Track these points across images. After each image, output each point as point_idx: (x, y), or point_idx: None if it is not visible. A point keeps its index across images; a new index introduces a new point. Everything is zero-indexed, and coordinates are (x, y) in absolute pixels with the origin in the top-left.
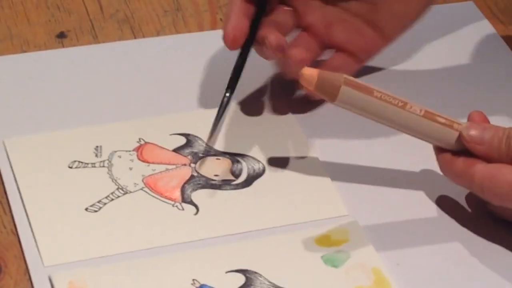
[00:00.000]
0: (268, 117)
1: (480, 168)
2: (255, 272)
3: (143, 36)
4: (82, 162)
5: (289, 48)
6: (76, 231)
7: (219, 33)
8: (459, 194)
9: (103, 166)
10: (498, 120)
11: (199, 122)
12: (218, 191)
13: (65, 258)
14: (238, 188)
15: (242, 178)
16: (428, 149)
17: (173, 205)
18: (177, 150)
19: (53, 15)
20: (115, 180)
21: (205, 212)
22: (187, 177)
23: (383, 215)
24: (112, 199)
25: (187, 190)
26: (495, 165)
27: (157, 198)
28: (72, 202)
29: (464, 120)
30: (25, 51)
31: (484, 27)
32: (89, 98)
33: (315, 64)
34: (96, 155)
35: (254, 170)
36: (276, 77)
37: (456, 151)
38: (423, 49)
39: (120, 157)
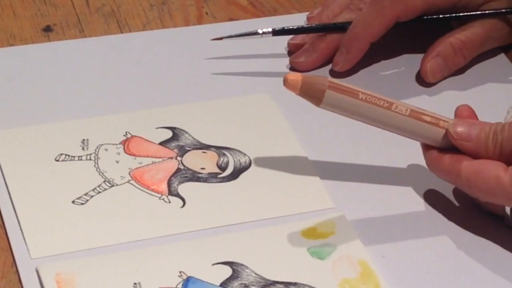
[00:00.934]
0: (253, 111)
1: (467, 164)
2: (242, 264)
3: (129, 30)
4: (68, 155)
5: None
6: (63, 223)
7: (204, 27)
8: (445, 188)
9: (90, 159)
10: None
11: (185, 115)
12: (205, 184)
13: (52, 251)
14: (224, 181)
15: (228, 171)
16: (415, 144)
17: (159, 198)
18: (163, 143)
19: (39, 8)
20: (102, 173)
21: (192, 205)
22: (173, 170)
23: (370, 208)
24: (99, 192)
25: (174, 183)
26: (481, 161)
27: (144, 191)
28: (59, 195)
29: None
30: (11, 45)
31: None
32: (76, 91)
33: None
34: (83, 148)
35: (240, 163)
36: (268, 73)
37: (443, 148)
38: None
39: (106, 150)
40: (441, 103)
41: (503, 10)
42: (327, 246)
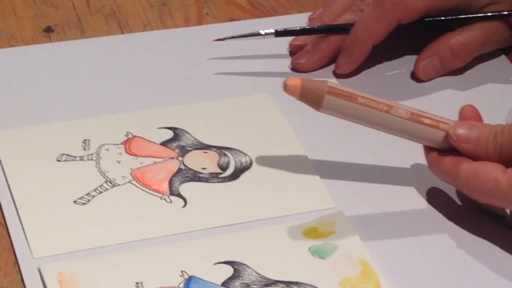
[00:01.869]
0: (254, 111)
1: (466, 166)
2: (243, 264)
3: (130, 31)
4: (70, 155)
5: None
6: (65, 223)
7: (205, 27)
8: (447, 187)
9: (91, 159)
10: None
11: (186, 116)
12: (206, 184)
13: (54, 250)
14: (225, 181)
15: (229, 171)
16: (415, 144)
17: (161, 198)
18: (164, 143)
19: (40, 9)
20: (103, 173)
21: (193, 205)
22: (174, 170)
23: (370, 208)
24: (101, 192)
25: (175, 183)
26: (480, 162)
27: (145, 191)
28: (61, 195)
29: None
30: (12, 46)
31: None
32: (77, 92)
33: None
34: (84, 149)
35: (241, 163)
36: (269, 74)
37: (444, 149)
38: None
39: (108, 150)
40: (442, 104)
41: (505, 13)
42: (328, 246)
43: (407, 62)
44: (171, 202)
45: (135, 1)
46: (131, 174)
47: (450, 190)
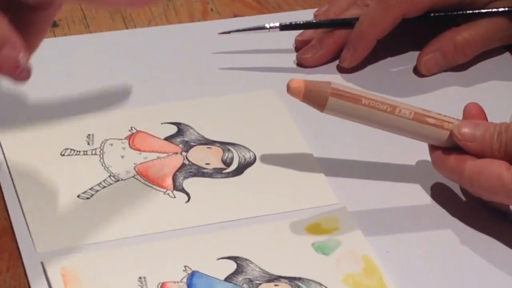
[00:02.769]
0: (259, 107)
1: (470, 164)
2: (246, 259)
3: (135, 26)
4: (74, 150)
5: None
6: (68, 217)
7: (210, 23)
8: (450, 184)
9: (95, 154)
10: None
11: (191, 111)
12: (210, 179)
13: (58, 245)
14: (229, 177)
15: (233, 167)
16: (419, 141)
17: (164, 193)
18: (168, 138)
19: None
20: (107, 168)
21: (197, 200)
22: (178, 165)
23: (373, 204)
24: (104, 187)
25: (179, 178)
26: (484, 160)
27: (149, 186)
28: (64, 189)
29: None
30: None
31: None
32: (81, 87)
33: None
34: (88, 143)
35: (245, 159)
36: (273, 69)
37: (449, 148)
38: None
39: (112, 145)
40: (446, 101)
41: (510, 9)
42: (331, 242)
43: (411, 58)
44: (174, 197)
45: None
46: (134, 169)
47: (454, 186)
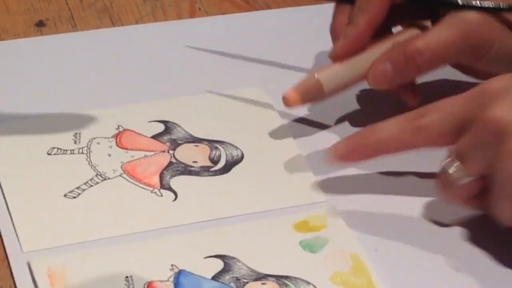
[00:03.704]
0: (247, 105)
1: None
2: (234, 258)
3: (122, 25)
4: (60, 149)
5: None
6: (55, 217)
7: (197, 21)
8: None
9: (82, 153)
10: None
11: (178, 109)
12: (197, 178)
13: (44, 244)
14: (216, 175)
15: (220, 165)
16: None
17: (151, 191)
18: (155, 136)
19: (32, 4)
20: (94, 167)
21: (184, 198)
22: (165, 164)
23: (362, 202)
24: (91, 185)
25: (166, 177)
26: None
27: (136, 184)
28: (51, 189)
29: None
30: (3, 40)
31: None
32: (68, 85)
33: None
34: (75, 142)
35: (232, 157)
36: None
37: None
38: None
39: (99, 143)
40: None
41: (502, 6)
42: (319, 240)
43: None
44: (161, 195)
45: None
46: (121, 167)
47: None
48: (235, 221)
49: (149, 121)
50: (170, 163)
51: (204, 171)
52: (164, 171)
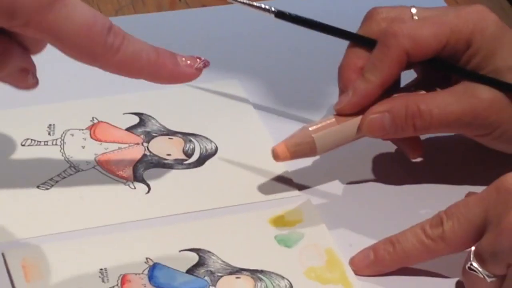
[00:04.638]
0: (222, 98)
1: None
2: (208, 251)
3: None
4: (34, 140)
5: None
6: (28, 208)
7: (177, 13)
8: (417, 176)
9: (56, 144)
10: None
11: (153, 101)
12: (170, 170)
13: (18, 235)
14: (190, 168)
15: (194, 158)
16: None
17: (125, 184)
18: (130, 129)
19: None
20: (68, 159)
21: (157, 191)
22: (139, 156)
23: (337, 197)
24: (64, 177)
25: (139, 169)
26: None
27: (109, 177)
28: (24, 180)
29: None
30: None
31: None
32: (43, 76)
33: None
34: (49, 133)
35: (206, 150)
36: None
37: None
38: None
39: (73, 135)
40: None
41: None
42: (294, 234)
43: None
44: (134, 188)
45: None
46: (95, 159)
47: (420, 179)
48: (209, 214)
49: (123, 113)
50: (144, 156)
51: (177, 164)
52: (138, 164)
